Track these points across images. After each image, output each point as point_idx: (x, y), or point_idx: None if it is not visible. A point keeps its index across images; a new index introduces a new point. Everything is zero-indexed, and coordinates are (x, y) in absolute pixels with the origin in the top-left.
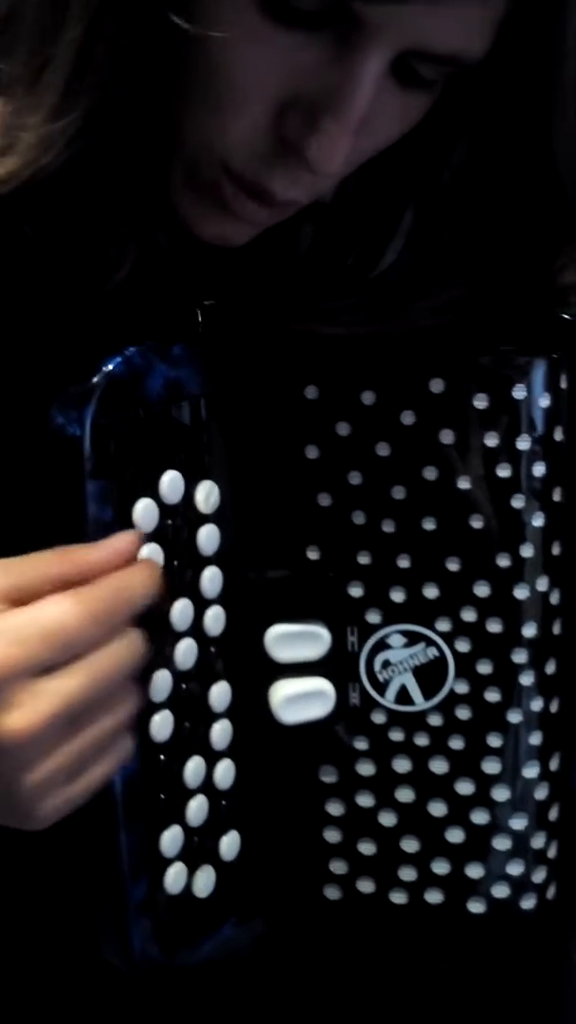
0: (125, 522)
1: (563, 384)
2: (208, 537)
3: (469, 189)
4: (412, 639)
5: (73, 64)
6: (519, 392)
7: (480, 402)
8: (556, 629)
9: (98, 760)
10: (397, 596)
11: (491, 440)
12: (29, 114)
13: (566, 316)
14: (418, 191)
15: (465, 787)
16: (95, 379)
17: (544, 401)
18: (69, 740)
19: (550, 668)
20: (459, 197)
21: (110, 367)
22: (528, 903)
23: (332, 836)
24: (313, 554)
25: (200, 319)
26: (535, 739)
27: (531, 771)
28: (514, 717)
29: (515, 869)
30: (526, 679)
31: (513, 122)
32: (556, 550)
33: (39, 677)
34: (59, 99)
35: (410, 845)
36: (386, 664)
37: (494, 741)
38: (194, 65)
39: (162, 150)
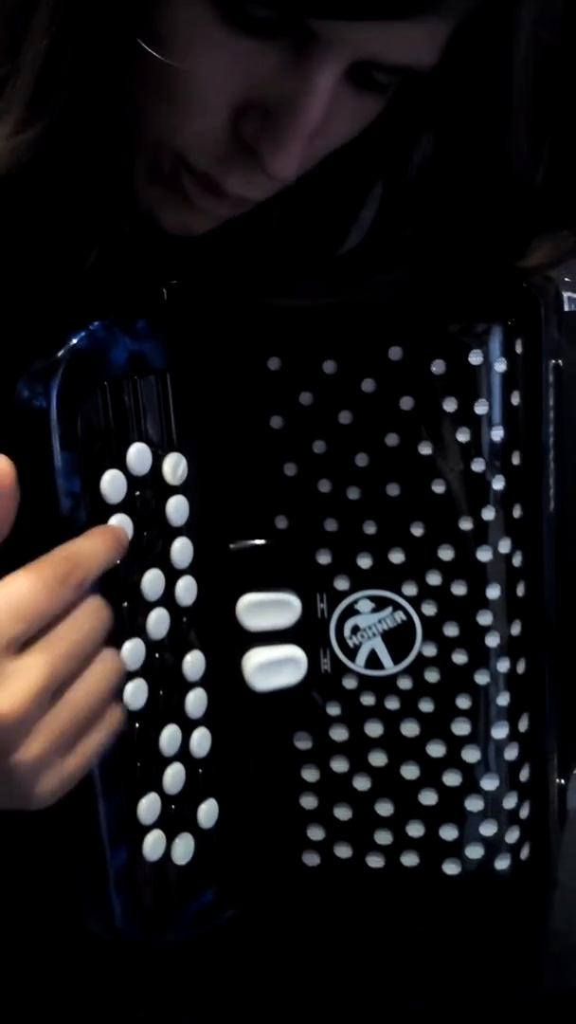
0: (93, 494)
1: (519, 349)
2: (177, 508)
3: (433, 179)
4: (380, 604)
5: (38, 76)
6: (476, 358)
7: (438, 368)
8: (520, 591)
9: (89, 731)
10: (364, 562)
11: (450, 405)
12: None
13: (524, 284)
14: (383, 176)
15: (436, 749)
16: (60, 352)
17: (500, 366)
18: (56, 714)
19: (515, 629)
20: (424, 182)
21: (75, 341)
22: (502, 863)
23: (308, 802)
24: (281, 523)
25: (165, 296)
26: (503, 700)
27: (500, 732)
28: (482, 678)
29: (488, 830)
30: (492, 640)
31: (469, 119)
32: (517, 512)
33: (15, 655)
34: (25, 110)
35: (385, 808)
36: (355, 630)
37: (463, 703)
38: (153, 68)
39: (123, 146)
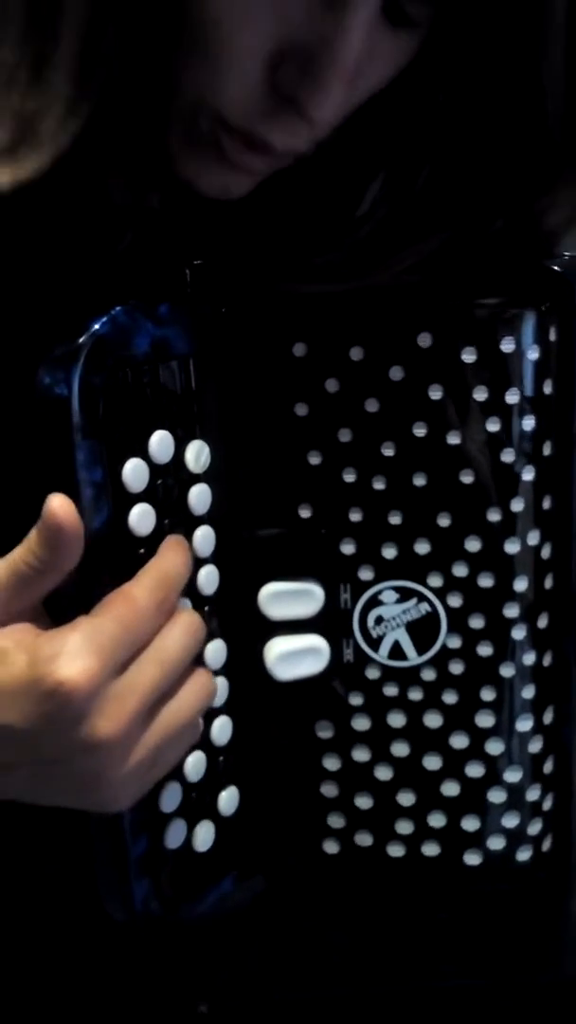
0: (115, 482)
1: (552, 336)
2: (199, 496)
3: (447, 134)
4: (405, 595)
5: (82, 49)
6: (508, 345)
7: (469, 356)
8: (548, 583)
9: (174, 746)
10: (389, 552)
11: (480, 394)
12: (42, 104)
13: (555, 267)
14: (395, 135)
15: (460, 741)
16: (81, 339)
17: (533, 354)
18: (152, 732)
19: (542, 622)
20: (436, 142)
21: (96, 327)
22: (524, 855)
23: (329, 791)
24: (305, 512)
25: (188, 280)
26: (528, 692)
27: (525, 724)
28: (507, 671)
29: (510, 821)
30: (518, 633)
31: (498, 59)
32: (547, 504)
33: (116, 677)
34: (74, 87)
35: (406, 798)
36: (379, 620)
37: (487, 695)
38: (187, 23)
39: (159, 110)
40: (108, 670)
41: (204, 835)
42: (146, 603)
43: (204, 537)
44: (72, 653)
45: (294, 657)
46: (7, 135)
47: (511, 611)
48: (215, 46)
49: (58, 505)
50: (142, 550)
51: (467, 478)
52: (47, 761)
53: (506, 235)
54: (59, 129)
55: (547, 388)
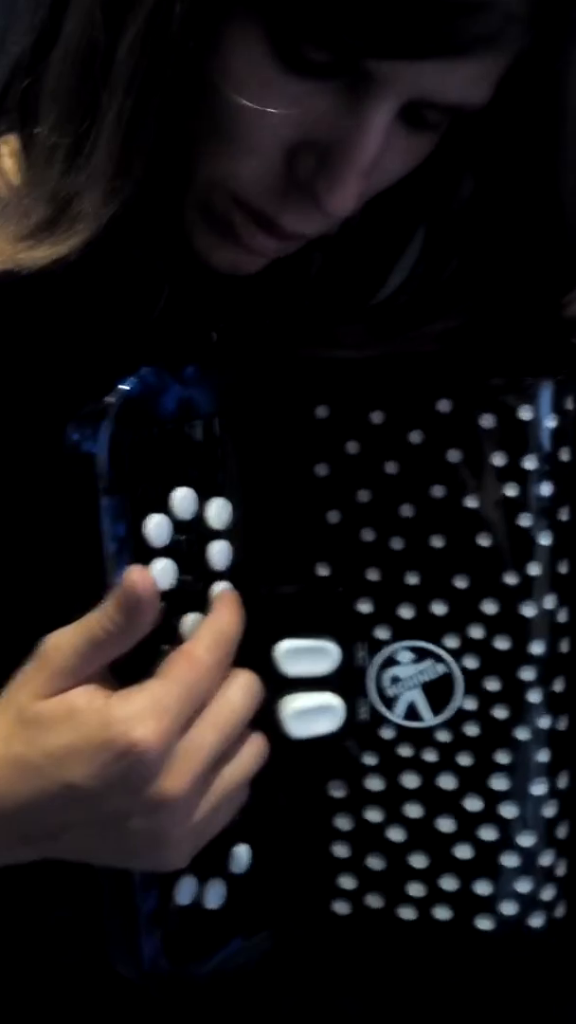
0: (137, 537)
1: (569, 405)
2: (219, 553)
3: (476, 221)
4: (421, 655)
5: (125, 132)
6: (525, 413)
7: (487, 422)
8: (564, 647)
9: (229, 806)
10: (406, 612)
11: (498, 460)
12: (83, 185)
13: (572, 338)
14: (425, 220)
15: (473, 803)
16: (111, 397)
17: (550, 422)
18: (213, 791)
19: (558, 686)
20: (465, 228)
21: (126, 386)
22: (537, 921)
23: (341, 851)
24: (323, 570)
25: (214, 342)
26: (543, 756)
27: (539, 788)
28: (522, 734)
29: (524, 887)
30: (534, 696)
31: (518, 161)
32: (563, 568)
33: (181, 737)
34: (115, 169)
35: (418, 861)
36: (395, 680)
37: (502, 758)
38: (211, 110)
39: (179, 188)
40: (176, 730)
41: (215, 893)
42: (207, 662)
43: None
44: (143, 714)
45: (309, 715)
46: (45, 213)
47: (527, 674)
48: (237, 132)
49: (137, 576)
50: (161, 604)
51: (484, 541)
52: (107, 821)
53: (525, 315)
54: (99, 209)
55: (564, 455)
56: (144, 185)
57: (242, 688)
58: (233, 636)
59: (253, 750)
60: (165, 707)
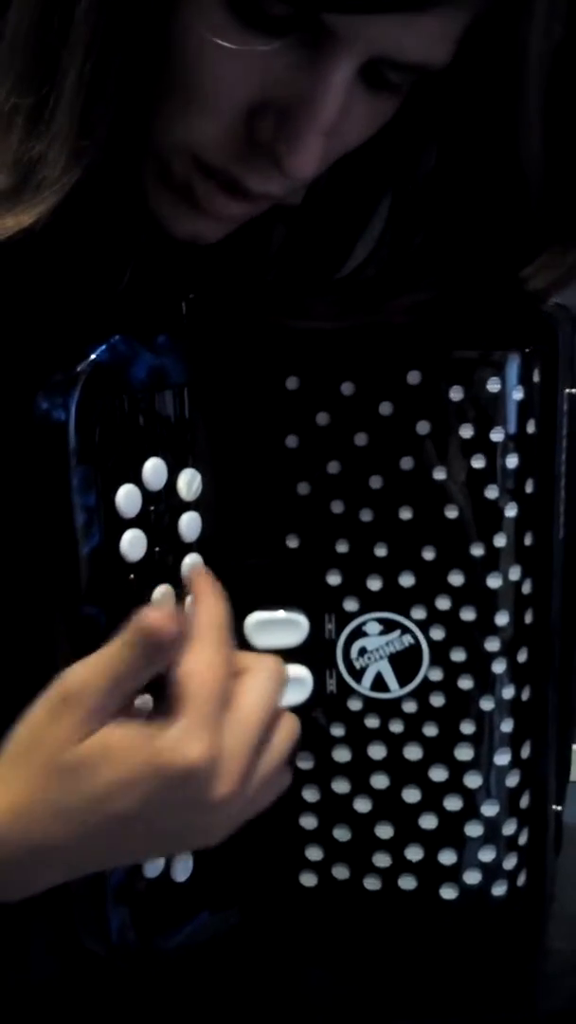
0: (108, 507)
1: (536, 378)
2: (189, 524)
3: (440, 190)
4: (388, 627)
5: (86, 94)
6: (493, 385)
7: (456, 394)
8: (528, 618)
9: (271, 789)
10: (374, 584)
11: (466, 432)
12: (45, 150)
13: (539, 312)
14: (390, 190)
15: (438, 773)
16: (80, 366)
17: (517, 394)
18: (253, 781)
19: (522, 656)
20: (431, 198)
21: (95, 354)
22: (499, 890)
23: (308, 822)
24: (292, 542)
25: (184, 312)
26: (507, 726)
27: (503, 758)
28: (486, 704)
29: (487, 856)
30: (498, 667)
31: (481, 126)
32: (529, 540)
33: (220, 730)
34: (78, 132)
35: (384, 831)
36: (363, 651)
37: (467, 728)
38: (168, 69)
39: (140, 153)
40: (218, 738)
41: (182, 866)
42: (219, 661)
43: (193, 565)
44: (186, 736)
45: None
46: (8, 182)
47: (492, 645)
48: (197, 92)
49: (157, 620)
50: (132, 575)
51: (452, 513)
52: (162, 834)
53: (494, 287)
54: (63, 175)
55: (530, 427)
56: (107, 148)
57: (263, 679)
58: (226, 619)
59: (287, 731)
60: (202, 722)
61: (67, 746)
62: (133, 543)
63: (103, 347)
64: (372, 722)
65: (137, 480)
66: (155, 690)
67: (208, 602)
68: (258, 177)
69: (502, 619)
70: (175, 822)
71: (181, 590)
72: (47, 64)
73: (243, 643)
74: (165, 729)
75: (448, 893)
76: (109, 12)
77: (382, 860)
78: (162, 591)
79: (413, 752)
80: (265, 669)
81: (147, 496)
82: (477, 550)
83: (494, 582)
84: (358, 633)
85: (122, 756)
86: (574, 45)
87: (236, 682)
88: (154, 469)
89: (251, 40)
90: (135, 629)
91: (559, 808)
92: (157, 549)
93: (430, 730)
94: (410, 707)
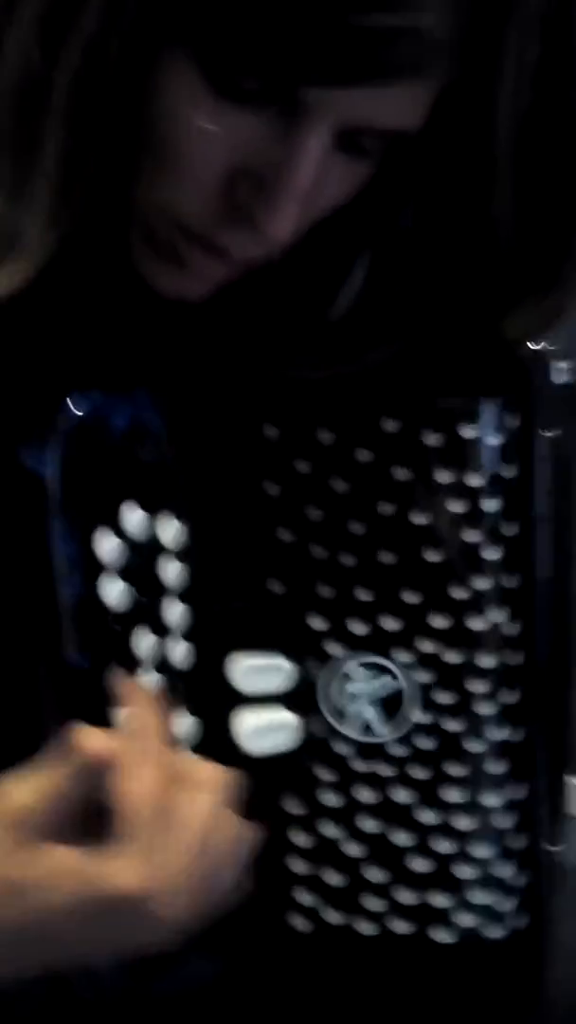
0: (88, 557)
1: (511, 424)
2: (172, 572)
3: (418, 244)
4: (373, 670)
5: (65, 166)
6: (469, 432)
7: (432, 441)
8: (514, 660)
9: (215, 890)
10: (357, 628)
11: (444, 477)
12: (25, 219)
13: (514, 359)
14: (369, 245)
15: (429, 816)
16: (61, 420)
17: (493, 440)
18: (195, 889)
19: (510, 698)
20: (409, 251)
21: (76, 409)
22: (496, 932)
23: (298, 866)
24: (276, 587)
25: (164, 362)
26: (496, 768)
27: (493, 800)
28: (475, 747)
29: (481, 899)
30: (486, 709)
31: (454, 187)
32: (512, 583)
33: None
34: (56, 202)
35: (375, 875)
36: (349, 695)
37: (455, 770)
38: (149, 140)
39: (124, 213)
40: (155, 861)
41: None
42: (155, 777)
43: (176, 611)
44: (124, 863)
45: (264, 731)
46: None
47: (478, 687)
48: (175, 160)
49: (89, 744)
50: (115, 623)
51: (433, 556)
52: (103, 947)
53: (472, 336)
54: (42, 241)
55: (508, 472)
56: (86, 215)
57: (201, 792)
58: (162, 728)
59: (227, 834)
60: (137, 847)
61: (10, 862)
62: (115, 591)
63: (83, 401)
64: (360, 766)
65: (117, 529)
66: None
67: (142, 716)
68: (238, 241)
69: (487, 661)
70: (117, 940)
71: (164, 639)
72: (27, 135)
73: (228, 688)
74: (100, 856)
75: (443, 936)
76: (87, 87)
77: (374, 904)
78: (146, 639)
79: (402, 795)
80: (203, 780)
81: (128, 545)
82: (459, 593)
83: (478, 624)
84: (343, 677)
85: (62, 881)
86: (542, 107)
87: (175, 794)
88: (135, 518)
89: (227, 111)
90: (68, 751)
91: (556, 848)
92: (139, 597)
93: (419, 773)
94: (398, 750)
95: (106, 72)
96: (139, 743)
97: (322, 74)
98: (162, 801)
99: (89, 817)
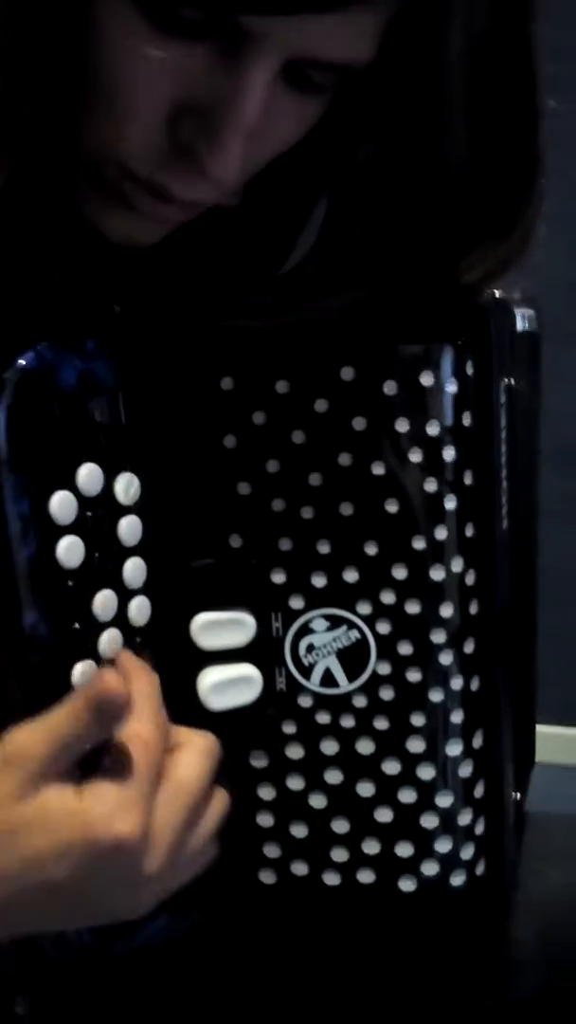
0: (42, 515)
1: (469, 370)
2: (129, 528)
3: (374, 188)
4: (334, 623)
5: (1, 108)
6: (427, 379)
7: (390, 389)
8: (473, 609)
9: (197, 862)
10: (318, 581)
11: (402, 426)
12: None
13: (471, 304)
14: (326, 188)
15: (391, 767)
16: (7, 373)
17: (451, 387)
18: (181, 857)
19: (469, 647)
20: (365, 195)
21: (22, 362)
22: (458, 880)
23: (265, 820)
24: (235, 542)
25: (116, 314)
26: (457, 717)
27: (455, 749)
28: (436, 696)
29: (443, 846)
30: (446, 659)
31: (408, 126)
32: (470, 532)
33: (151, 809)
34: None
35: (341, 826)
36: (310, 648)
37: (417, 720)
38: (88, 74)
39: (67, 156)
40: (148, 816)
41: None
42: (155, 737)
43: (134, 569)
44: (119, 810)
45: (227, 686)
46: None
47: (438, 637)
48: (117, 98)
49: (113, 683)
50: (71, 582)
51: (392, 507)
52: (88, 904)
53: (429, 283)
54: None
55: (466, 420)
56: (26, 159)
57: (197, 756)
58: (159, 695)
59: (217, 807)
60: (135, 797)
61: (6, 805)
62: (70, 549)
63: (30, 354)
64: (323, 718)
65: (72, 486)
66: (93, 757)
67: (141, 676)
68: (182, 183)
69: (447, 611)
70: (102, 894)
71: (123, 597)
72: None
73: (190, 645)
74: (97, 800)
75: (407, 885)
76: (22, 20)
77: (340, 855)
78: (104, 596)
79: (365, 746)
80: (199, 745)
81: (83, 502)
82: (419, 543)
83: (437, 574)
84: (305, 630)
85: (57, 823)
86: (494, 41)
87: (170, 757)
88: (89, 474)
89: (167, 45)
90: (91, 693)
91: (518, 796)
92: (96, 555)
93: (381, 724)
94: (360, 702)
95: (40, 6)
96: (140, 698)
97: (262, 2)
98: (160, 757)
99: (89, 770)
